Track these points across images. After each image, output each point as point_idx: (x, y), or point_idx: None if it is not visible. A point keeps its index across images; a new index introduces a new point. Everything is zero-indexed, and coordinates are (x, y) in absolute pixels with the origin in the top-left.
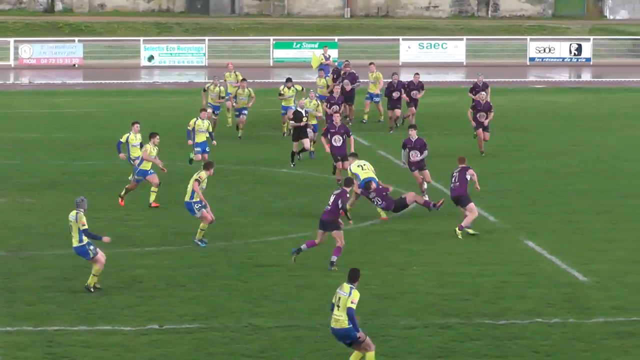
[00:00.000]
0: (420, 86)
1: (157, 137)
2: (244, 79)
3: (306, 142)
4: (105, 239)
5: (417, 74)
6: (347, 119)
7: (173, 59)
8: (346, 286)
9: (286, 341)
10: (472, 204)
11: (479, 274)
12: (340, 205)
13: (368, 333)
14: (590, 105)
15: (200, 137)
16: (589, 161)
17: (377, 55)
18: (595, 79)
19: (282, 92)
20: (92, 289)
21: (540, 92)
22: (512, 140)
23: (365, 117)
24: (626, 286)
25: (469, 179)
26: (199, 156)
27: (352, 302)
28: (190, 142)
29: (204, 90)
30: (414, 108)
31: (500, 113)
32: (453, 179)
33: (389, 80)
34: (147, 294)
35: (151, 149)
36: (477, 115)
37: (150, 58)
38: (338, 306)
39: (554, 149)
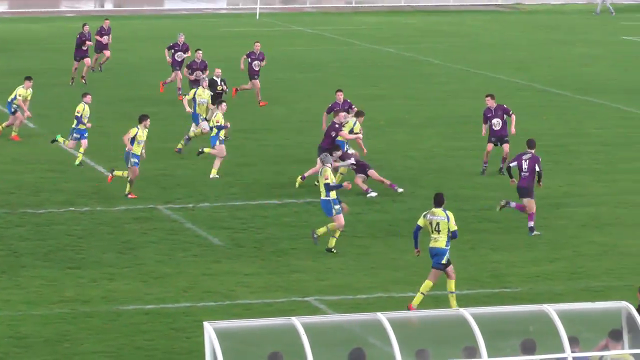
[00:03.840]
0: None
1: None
2: None
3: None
4: (346, 184)
5: None
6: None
7: None
8: (438, 210)
9: None
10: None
11: (22, 172)
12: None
13: None
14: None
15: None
16: None
17: None
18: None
19: None
20: (333, 250)
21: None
22: None
23: None
24: (144, 179)
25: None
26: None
27: (454, 225)
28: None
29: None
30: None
31: None
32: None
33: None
34: None
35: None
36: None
37: None
38: (438, 230)
39: None
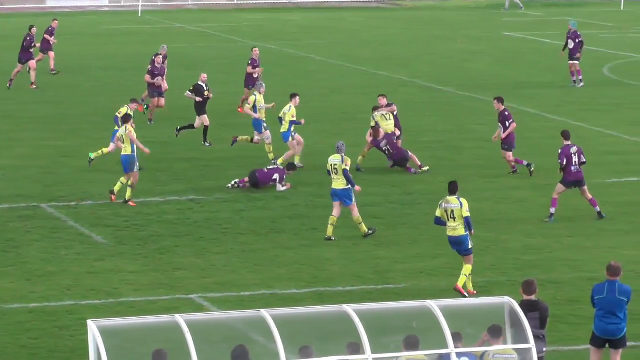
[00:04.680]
0: None
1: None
2: None
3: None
4: (357, 188)
5: None
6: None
7: None
8: (452, 198)
9: None
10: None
11: None
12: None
13: None
14: None
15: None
16: None
17: None
18: None
19: None
20: (332, 238)
21: None
22: None
23: None
24: (27, 177)
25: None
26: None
27: (467, 211)
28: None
29: None
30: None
31: None
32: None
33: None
34: None
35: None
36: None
37: None
38: (454, 218)
39: None
